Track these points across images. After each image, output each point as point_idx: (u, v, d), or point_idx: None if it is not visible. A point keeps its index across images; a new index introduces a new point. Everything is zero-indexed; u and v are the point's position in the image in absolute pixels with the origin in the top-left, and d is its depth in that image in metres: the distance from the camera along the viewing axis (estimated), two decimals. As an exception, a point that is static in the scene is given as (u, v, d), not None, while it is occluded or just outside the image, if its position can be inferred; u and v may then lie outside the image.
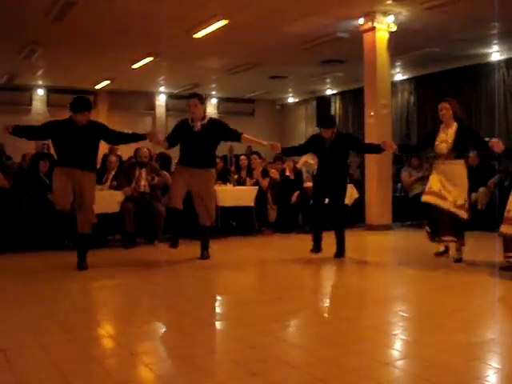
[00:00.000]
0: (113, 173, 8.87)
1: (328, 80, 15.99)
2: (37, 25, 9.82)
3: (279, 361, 3.19)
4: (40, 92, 16.61)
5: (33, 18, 9.41)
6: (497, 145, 5.81)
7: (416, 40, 11.07)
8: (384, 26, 9.81)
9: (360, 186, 10.21)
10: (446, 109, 6.24)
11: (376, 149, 7.12)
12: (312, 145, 7.10)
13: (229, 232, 9.03)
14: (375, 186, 9.95)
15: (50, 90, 16.60)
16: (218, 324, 4.15)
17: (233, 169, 11.36)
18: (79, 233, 6.19)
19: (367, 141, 9.23)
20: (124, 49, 11.66)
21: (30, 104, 16.54)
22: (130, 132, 7.16)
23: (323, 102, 17.54)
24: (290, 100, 19.26)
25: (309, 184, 10.09)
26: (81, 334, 3.79)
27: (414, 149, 7.93)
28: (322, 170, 6.92)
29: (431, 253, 6.71)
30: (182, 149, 6.72)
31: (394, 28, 9.85)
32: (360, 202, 10.07)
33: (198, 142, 6.51)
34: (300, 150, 7.84)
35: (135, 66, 13.14)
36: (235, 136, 6.68)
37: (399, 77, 14.86)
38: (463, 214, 6.14)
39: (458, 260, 6.31)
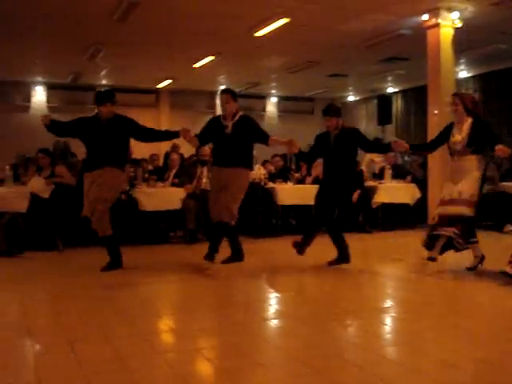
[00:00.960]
0: (174, 171, 9.00)
1: (389, 78, 15.73)
2: (101, 25, 10.03)
3: (341, 359, 3.17)
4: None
5: (97, 18, 9.61)
6: (501, 151, 5.51)
7: (481, 36, 10.76)
8: (448, 23, 9.58)
9: (423, 186, 10.01)
10: (455, 104, 5.90)
11: (384, 148, 6.93)
12: (318, 145, 6.47)
13: (288, 230, 9.01)
14: (438, 186, 9.71)
15: (114, 90, 16.90)
16: (278, 322, 4.14)
17: (293, 167, 11.34)
18: (100, 236, 6.07)
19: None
20: (185, 48, 11.77)
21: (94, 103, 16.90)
22: (163, 129, 7.01)
23: (384, 101, 17.28)
24: (351, 98, 19.08)
25: (371, 183, 9.98)
26: (144, 327, 3.86)
27: (427, 147, 7.11)
28: (327, 169, 6.41)
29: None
30: (214, 148, 6.54)
31: (458, 24, 9.61)
32: (422, 202, 9.86)
33: (228, 141, 6.11)
34: (310, 155, 7.08)
35: (196, 66, 13.28)
36: (263, 138, 6.16)
37: (463, 74, 14.49)
38: (467, 211, 5.67)
39: (472, 268, 5.86)
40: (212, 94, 17.76)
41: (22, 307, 4.56)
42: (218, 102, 17.77)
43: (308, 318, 4.12)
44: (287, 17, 9.39)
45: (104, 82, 16.37)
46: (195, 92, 17.26)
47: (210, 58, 12.54)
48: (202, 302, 4.91)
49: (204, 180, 8.52)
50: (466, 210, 5.68)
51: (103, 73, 14.90)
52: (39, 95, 16.27)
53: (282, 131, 16.26)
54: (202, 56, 12.50)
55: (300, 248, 6.31)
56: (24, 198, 7.58)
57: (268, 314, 4.41)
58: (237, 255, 6.28)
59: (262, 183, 9.22)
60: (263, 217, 9.11)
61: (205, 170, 8.59)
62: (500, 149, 5.52)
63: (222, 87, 17.02)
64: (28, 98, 16.15)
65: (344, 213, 6.68)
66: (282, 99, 18.77)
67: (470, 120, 5.84)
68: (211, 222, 6.43)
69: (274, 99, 18.78)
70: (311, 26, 10.04)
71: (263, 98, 18.55)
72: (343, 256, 6.22)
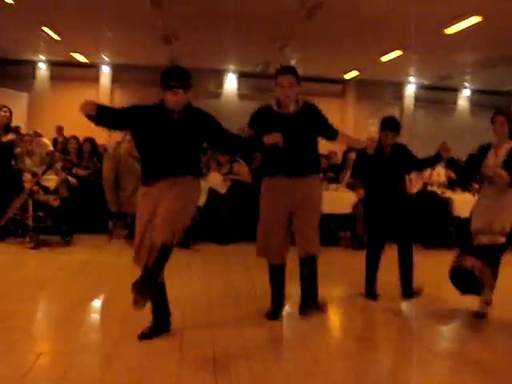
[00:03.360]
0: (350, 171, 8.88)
1: None
2: (289, 21, 10.20)
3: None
4: (292, 80, 17.22)
5: (285, 15, 9.80)
6: None
7: None
8: None
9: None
10: (500, 123, 5.01)
11: (435, 160, 5.74)
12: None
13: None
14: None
15: (301, 78, 17.10)
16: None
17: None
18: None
19: None
20: (372, 42, 11.58)
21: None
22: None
23: None
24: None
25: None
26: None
27: (463, 172, 6.02)
28: (379, 183, 5.65)
29: None
30: (268, 153, 4.54)
31: None
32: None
33: (294, 136, 4.38)
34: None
35: (384, 59, 12.97)
36: (331, 133, 4.70)
37: None
38: (496, 239, 4.98)
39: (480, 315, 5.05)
40: (400, 85, 17.26)
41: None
42: (406, 93, 17.32)
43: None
44: (479, 15, 8.78)
45: (293, 71, 16.62)
46: (382, 82, 16.89)
47: (398, 52, 12.17)
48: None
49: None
50: (496, 239, 5.00)
51: (292, 62, 15.11)
52: (231, 82, 17.01)
53: (473, 127, 15.39)
54: (389, 50, 12.21)
55: None
56: (203, 192, 7.99)
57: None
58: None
59: (440, 192, 8.78)
60: (438, 227, 8.68)
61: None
62: None
63: (411, 79, 16.49)
64: (220, 85, 16.97)
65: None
66: (476, 93, 17.65)
67: (509, 146, 5.01)
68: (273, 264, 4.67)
69: (466, 92, 17.74)
70: (505, 24, 9.29)
71: (455, 90, 17.58)
72: None
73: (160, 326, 4.00)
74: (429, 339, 4.54)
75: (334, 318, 5.15)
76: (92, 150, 8.44)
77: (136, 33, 12.04)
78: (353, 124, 16.99)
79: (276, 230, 4.49)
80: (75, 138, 8.63)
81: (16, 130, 11.65)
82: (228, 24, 10.66)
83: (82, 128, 6.87)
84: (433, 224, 8.61)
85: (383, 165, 5.67)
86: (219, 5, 9.47)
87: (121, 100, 16.36)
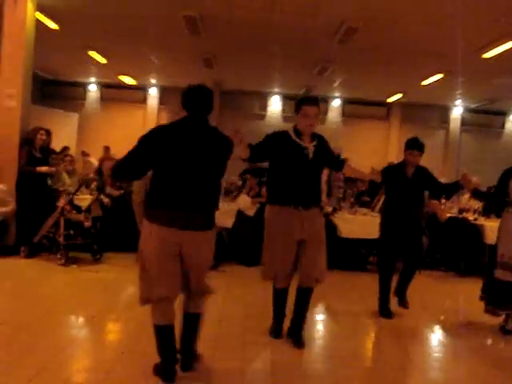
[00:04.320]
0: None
1: None
2: (325, 46, 10.28)
3: None
4: (336, 103, 17.29)
5: (320, 40, 9.90)
6: None
7: None
8: None
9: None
10: None
11: (453, 188, 5.98)
12: (390, 175, 5.88)
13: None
14: None
15: (346, 101, 17.20)
16: None
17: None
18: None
19: None
20: (413, 66, 11.52)
21: (326, 113, 17.34)
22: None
23: None
24: None
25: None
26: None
27: (491, 199, 6.35)
28: (400, 204, 5.80)
29: None
30: (283, 178, 4.60)
31: None
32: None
33: (309, 169, 4.58)
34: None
35: (425, 83, 12.90)
36: (338, 164, 5.00)
37: None
38: None
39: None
40: (445, 108, 17.06)
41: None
42: (452, 116, 17.10)
43: None
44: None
45: (336, 93, 16.71)
46: (427, 105, 16.72)
47: (439, 75, 12.07)
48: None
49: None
50: None
51: (335, 85, 15.21)
52: (275, 104, 17.18)
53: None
54: (430, 74, 12.12)
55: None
56: (231, 214, 8.15)
57: None
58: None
59: (472, 218, 8.67)
60: (468, 254, 8.53)
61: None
62: None
63: (457, 102, 16.28)
64: (265, 107, 17.17)
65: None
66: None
67: None
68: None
69: (513, 117, 17.39)
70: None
71: (502, 114, 17.21)
72: None
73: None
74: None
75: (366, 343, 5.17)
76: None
77: (178, 58, 12.41)
78: (397, 147, 16.84)
79: (287, 258, 4.60)
80: (109, 159, 8.92)
81: (64, 149, 12.17)
82: (266, 48, 10.85)
83: (128, 148, 7.13)
84: (464, 251, 8.48)
85: (404, 185, 5.82)
86: (256, 30, 9.65)
87: (166, 121, 16.74)
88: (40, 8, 8.34)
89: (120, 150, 11.99)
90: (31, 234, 7.38)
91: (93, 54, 12.12)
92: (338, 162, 5.00)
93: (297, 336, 4.65)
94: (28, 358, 3.89)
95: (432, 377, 4.31)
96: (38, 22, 8.81)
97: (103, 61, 12.81)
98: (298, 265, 4.64)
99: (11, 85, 7.64)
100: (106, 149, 14.55)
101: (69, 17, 9.31)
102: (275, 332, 4.76)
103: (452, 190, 6.10)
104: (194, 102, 3.67)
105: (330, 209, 8.56)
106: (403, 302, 6.01)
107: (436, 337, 5.45)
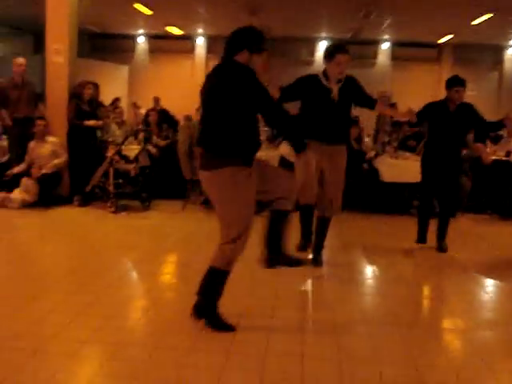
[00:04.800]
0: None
1: None
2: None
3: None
4: (385, 46, 16.97)
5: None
6: None
7: None
8: None
9: None
10: None
11: (496, 126, 6.18)
12: (431, 112, 6.08)
13: None
14: None
15: (395, 44, 16.85)
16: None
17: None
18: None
19: None
20: (461, 5, 11.20)
21: (375, 57, 17.07)
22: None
23: None
24: None
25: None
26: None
27: None
28: (442, 142, 6.02)
29: None
30: (311, 116, 4.97)
31: None
32: None
33: (334, 109, 4.95)
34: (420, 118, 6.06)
35: (475, 22, 12.52)
36: (370, 102, 5.10)
37: None
38: None
39: None
40: (499, 49, 16.50)
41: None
42: (506, 57, 16.54)
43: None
44: None
45: (386, 36, 16.38)
46: (480, 47, 16.20)
47: (488, 15, 11.70)
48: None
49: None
50: None
51: (383, 28, 14.92)
52: (323, 50, 16.98)
53: None
54: (479, 13, 11.75)
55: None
56: (275, 160, 8.30)
57: None
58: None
59: (518, 160, 8.59)
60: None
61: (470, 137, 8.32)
62: None
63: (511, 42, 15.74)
64: (312, 53, 17.02)
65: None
66: None
67: None
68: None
69: None
70: None
71: None
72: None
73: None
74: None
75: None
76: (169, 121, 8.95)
77: (223, 6, 12.40)
78: (448, 90, 16.52)
79: (311, 179, 4.78)
80: (154, 110, 9.18)
81: (115, 100, 12.51)
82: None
83: (177, 98, 7.40)
84: (508, 194, 8.42)
85: (447, 121, 5.97)
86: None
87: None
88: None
89: (170, 100, 12.26)
90: (83, 183, 7.73)
91: (138, 6, 12.26)
92: (369, 101, 5.10)
93: (315, 257, 5.31)
94: (79, 296, 4.24)
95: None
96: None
97: (149, 12, 12.94)
98: (317, 196, 5.07)
99: (58, 40, 7.89)
100: (156, 100, 14.83)
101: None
102: (301, 246, 5.24)
103: (495, 127, 6.22)
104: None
105: (372, 153, 8.61)
106: (441, 247, 6.14)
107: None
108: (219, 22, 14.67)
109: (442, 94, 17.14)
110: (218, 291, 3.61)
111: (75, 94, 7.90)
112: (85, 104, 7.93)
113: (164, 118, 8.96)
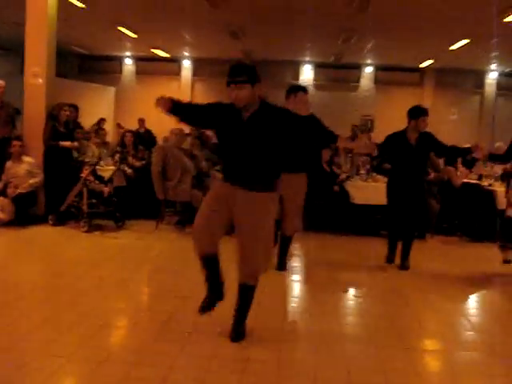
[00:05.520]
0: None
1: None
2: (344, 15, 10.34)
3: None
4: (368, 69, 17.25)
5: (339, 8, 9.92)
6: None
7: None
8: None
9: None
10: None
11: (462, 152, 6.40)
12: (392, 144, 6.34)
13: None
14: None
15: (378, 68, 17.13)
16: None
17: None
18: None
19: None
20: (437, 32, 11.45)
21: (358, 81, 17.34)
22: None
23: None
24: None
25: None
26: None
27: (503, 158, 6.67)
28: (404, 171, 6.26)
29: None
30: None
31: None
32: None
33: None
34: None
35: (453, 48, 12.79)
36: (330, 138, 4.33)
37: None
38: None
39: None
40: (480, 74, 16.79)
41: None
42: (487, 81, 16.83)
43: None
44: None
45: (368, 60, 16.65)
46: (461, 71, 16.51)
47: (465, 40, 11.97)
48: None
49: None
50: None
51: (364, 52, 15.19)
52: (307, 73, 17.26)
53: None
54: (456, 39, 12.03)
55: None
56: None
57: None
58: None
59: (487, 184, 8.76)
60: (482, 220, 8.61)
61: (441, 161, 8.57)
62: None
63: (493, 66, 16.01)
64: (297, 76, 17.27)
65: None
66: None
67: None
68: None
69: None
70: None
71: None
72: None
73: (216, 295, 4.02)
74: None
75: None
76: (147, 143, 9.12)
77: (205, 30, 12.60)
78: (432, 113, 16.72)
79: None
80: (131, 131, 9.35)
81: (100, 121, 12.67)
82: (288, 19, 10.99)
83: (164, 120, 7.50)
84: (477, 217, 8.56)
85: (408, 152, 6.20)
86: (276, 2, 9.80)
87: (201, 92, 17.12)
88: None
89: (156, 122, 12.41)
90: (59, 203, 7.87)
91: (122, 29, 12.50)
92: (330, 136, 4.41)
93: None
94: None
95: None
96: (66, 2, 9.26)
97: (133, 35, 13.18)
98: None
99: (36, 63, 8.07)
100: (141, 121, 15.00)
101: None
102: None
103: (461, 153, 6.61)
104: (229, 77, 3.77)
105: (344, 176, 8.77)
106: (403, 266, 6.35)
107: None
108: (204, 46, 14.93)
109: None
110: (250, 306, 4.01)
111: (52, 116, 8.05)
112: (61, 125, 8.08)
113: (140, 140, 9.13)
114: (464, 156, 7.23)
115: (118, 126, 14.59)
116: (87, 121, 11.78)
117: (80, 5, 9.99)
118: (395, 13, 10.18)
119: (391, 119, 15.41)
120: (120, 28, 12.40)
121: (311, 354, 3.84)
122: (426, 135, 6.24)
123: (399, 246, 6.51)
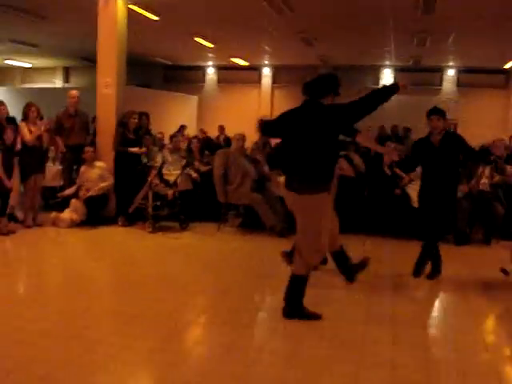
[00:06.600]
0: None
1: None
2: (411, 17, 10.26)
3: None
4: (450, 72, 16.86)
5: (406, 11, 9.87)
6: None
7: None
8: None
9: None
10: None
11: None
12: (419, 150, 6.15)
13: None
14: None
15: (461, 70, 16.71)
16: None
17: None
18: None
19: None
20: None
21: (440, 85, 16.99)
22: None
23: None
24: None
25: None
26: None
27: None
28: (430, 175, 6.03)
29: None
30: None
31: None
32: None
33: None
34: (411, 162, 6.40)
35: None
36: (351, 132, 5.36)
37: None
38: None
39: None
40: None
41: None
42: None
43: None
44: None
45: (450, 63, 16.29)
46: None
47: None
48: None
49: (483, 180, 8.21)
50: None
51: (444, 55, 14.89)
52: (387, 77, 17.12)
53: None
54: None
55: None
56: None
57: None
58: None
59: None
60: None
61: (487, 169, 8.24)
62: None
63: None
64: (377, 81, 17.16)
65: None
66: None
67: None
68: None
69: None
70: None
71: None
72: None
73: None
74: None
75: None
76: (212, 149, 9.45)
77: (279, 38, 12.82)
78: (517, 116, 16.17)
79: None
80: (196, 138, 9.71)
81: (180, 128, 13.20)
82: (359, 23, 11.04)
83: (243, 127, 8.00)
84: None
85: (431, 153, 5.99)
86: (348, 4, 9.88)
87: (281, 99, 17.37)
88: (135, 2, 9.23)
89: (236, 128, 12.88)
90: (127, 205, 8.34)
91: (199, 39, 12.97)
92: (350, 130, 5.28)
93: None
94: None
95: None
96: (140, 15, 9.80)
97: (210, 45, 13.64)
98: None
99: (107, 74, 8.62)
100: (221, 128, 15.48)
101: (166, 8, 10.13)
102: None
103: (482, 156, 6.52)
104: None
105: (407, 179, 8.68)
106: (417, 274, 6.14)
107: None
108: (281, 53, 15.19)
109: (510, 119, 16.84)
110: (302, 293, 4.48)
111: (122, 123, 8.54)
112: (130, 132, 8.55)
113: (206, 146, 9.49)
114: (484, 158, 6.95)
115: (201, 131, 15.11)
116: (171, 128, 12.37)
117: (153, 17, 10.50)
118: (460, 15, 9.99)
119: (476, 123, 15.09)
120: (196, 38, 12.87)
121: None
122: (451, 137, 6.03)
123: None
